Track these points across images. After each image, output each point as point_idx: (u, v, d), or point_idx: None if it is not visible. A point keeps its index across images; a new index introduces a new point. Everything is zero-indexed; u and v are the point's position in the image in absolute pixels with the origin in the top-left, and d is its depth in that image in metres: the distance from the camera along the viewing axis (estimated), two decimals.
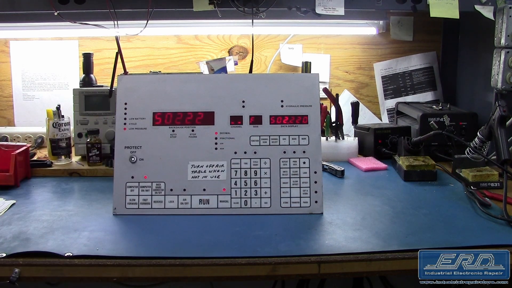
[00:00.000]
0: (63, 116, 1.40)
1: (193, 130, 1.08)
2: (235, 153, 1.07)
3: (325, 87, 1.54)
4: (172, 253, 0.84)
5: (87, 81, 1.58)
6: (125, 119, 1.09)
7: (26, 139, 1.60)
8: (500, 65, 1.33)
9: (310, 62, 1.65)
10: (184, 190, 1.05)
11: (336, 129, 1.52)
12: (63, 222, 0.98)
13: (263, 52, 1.80)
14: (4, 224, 0.96)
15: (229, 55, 1.76)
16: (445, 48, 1.81)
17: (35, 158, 1.43)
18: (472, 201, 1.10)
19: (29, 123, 1.73)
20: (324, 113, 1.51)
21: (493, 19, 1.36)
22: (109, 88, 1.41)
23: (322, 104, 1.51)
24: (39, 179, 1.29)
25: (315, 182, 1.05)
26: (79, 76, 1.68)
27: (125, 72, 1.38)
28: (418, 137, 1.37)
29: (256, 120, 1.08)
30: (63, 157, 1.39)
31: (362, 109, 1.79)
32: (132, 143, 1.08)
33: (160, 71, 1.54)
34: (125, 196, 1.05)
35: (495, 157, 1.20)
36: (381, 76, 1.83)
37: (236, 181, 1.06)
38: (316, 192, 1.05)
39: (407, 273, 0.84)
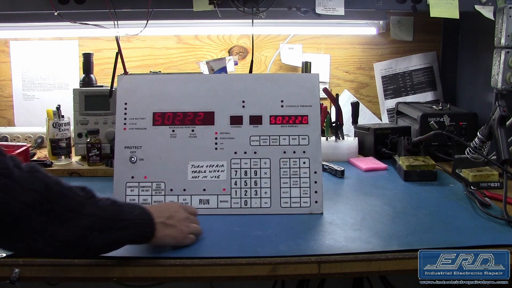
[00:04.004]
0: (63, 116, 1.40)
1: (193, 130, 1.08)
2: (235, 153, 1.07)
3: (325, 87, 1.54)
4: (172, 253, 0.84)
5: (87, 81, 1.57)
6: (125, 119, 1.09)
7: (26, 139, 1.60)
8: (500, 65, 1.33)
9: (310, 62, 1.65)
10: (184, 190, 1.05)
11: (336, 129, 1.52)
12: None
13: (263, 52, 1.80)
14: None
15: (229, 55, 1.76)
16: (445, 48, 1.81)
17: (35, 158, 1.43)
18: (472, 201, 1.10)
19: (29, 123, 1.73)
20: (324, 113, 1.51)
21: (493, 19, 1.36)
22: (109, 88, 1.41)
23: (322, 104, 1.51)
24: None
25: (315, 182, 1.05)
26: (79, 76, 1.68)
27: (125, 72, 1.38)
28: (418, 137, 1.37)
29: (256, 120, 1.08)
30: (63, 157, 1.39)
31: (362, 109, 1.79)
32: (132, 143, 1.07)
33: (160, 71, 1.54)
34: (125, 196, 1.05)
35: (495, 157, 1.20)
36: (381, 76, 1.83)
37: (236, 181, 1.06)
38: (316, 192, 1.05)
39: (407, 273, 0.84)
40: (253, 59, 1.57)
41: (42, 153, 1.51)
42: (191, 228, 0.89)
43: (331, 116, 1.54)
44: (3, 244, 0.71)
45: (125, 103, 1.09)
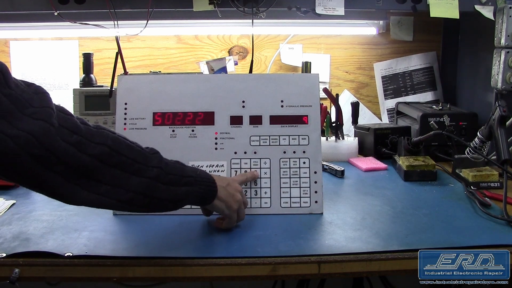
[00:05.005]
0: None
1: (193, 130, 1.08)
2: (235, 153, 1.07)
3: (325, 87, 1.54)
4: (172, 253, 0.84)
5: (87, 81, 1.58)
6: (125, 119, 1.09)
7: None
8: (500, 65, 1.33)
9: (310, 62, 1.65)
10: None
11: (336, 129, 1.52)
12: (63, 222, 0.98)
13: (263, 52, 1.80)
14: (4, 224, 0.96)
15: (229, 55, 1.76)
16: (445, 48, 1.81)
17: None
18: (472, 201, 1.10)
19: None
20: (324, 113, 1.51)
21: (493, 19, 1.36)
22: (109, 88, 1.41)
23: (322, 104, 1.51)
24: None
25: (315, 182, 1.05)
26: (79, 76, 1.68)
27: (125, 72, 1.38)
28: (418, 137, 1.37)
29: (256, 120, 1.08)
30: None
31: (362, 109, 1.79)
32: None
33: (160, 71, 1.54)
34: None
35: (495, 157, 1.20)
36: (381, 76, 1.83)
37: None
38: (316, 192, 1.05)
39: (407, 273, 0.84)
40: (253, 59, 1.57)
41: None
42: (240, 211, 0.93)
43: (331, 116, 1.54)
44: (78, 196, 0.73)
45: (125, 103, 1.09)
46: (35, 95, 0.70)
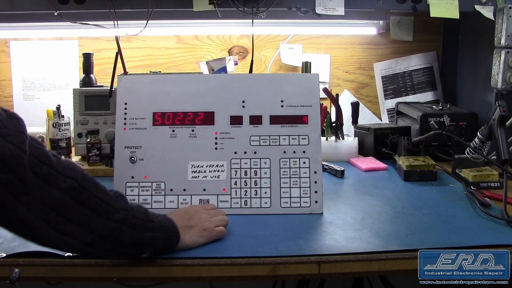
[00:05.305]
0: (63, 116, 1.40)
1: (193, 130, 1.08)
2: (235, 153, 1.07)
3: (325, 87, 1.54)
4: (172, 253, 0.84)
5: (87, 81, 1.58)
6: (125, 119, 1.09)
7: None
8: (500, 65, 1.33)
9: (310, 62, 1.65)
10: (184, 190, 1.05)
11: (336, 129, 1.52)
12: None
13: (263, 52, 1.80)
14: None
15: (229, 55, 1.76)
16: (445, 48, 1.81)
17: None
18: (472, 201, 1.10)
19: (29, 123, 1.68)
20: (324, 113, 1.51)
21: (493, 19, 1.36)
22: (109, 88, 1.41)
23: (322, 104, 1.51)
24: None
25: (315, 182, 1.05)
26: (79, 76, 1.68)
27: (125, 72, 1.38)
28: (418, 137, 1.37)
29: (256, 120, 1.08)
30: (63, 157, 1.39)
31: (362, 109, 1.79)
32: (132, 143, 1.07)
33: (160, 71, 1.54)
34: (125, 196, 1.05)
35: (495, 157, 1.20)
36: (381, 76, 1.83)
37: (236, 181, 1.06)
38: (316, 192, 1.05)
39: (407, 273, 0.84)
40: (253, 59, 1.57)
41: None
42: (215, 221, 0.91)
43: (331, 116, 1.54)
44: (44, 235, 0.70)
45: (125, 103, 1.09)
46: (9, 119, 0.67)
